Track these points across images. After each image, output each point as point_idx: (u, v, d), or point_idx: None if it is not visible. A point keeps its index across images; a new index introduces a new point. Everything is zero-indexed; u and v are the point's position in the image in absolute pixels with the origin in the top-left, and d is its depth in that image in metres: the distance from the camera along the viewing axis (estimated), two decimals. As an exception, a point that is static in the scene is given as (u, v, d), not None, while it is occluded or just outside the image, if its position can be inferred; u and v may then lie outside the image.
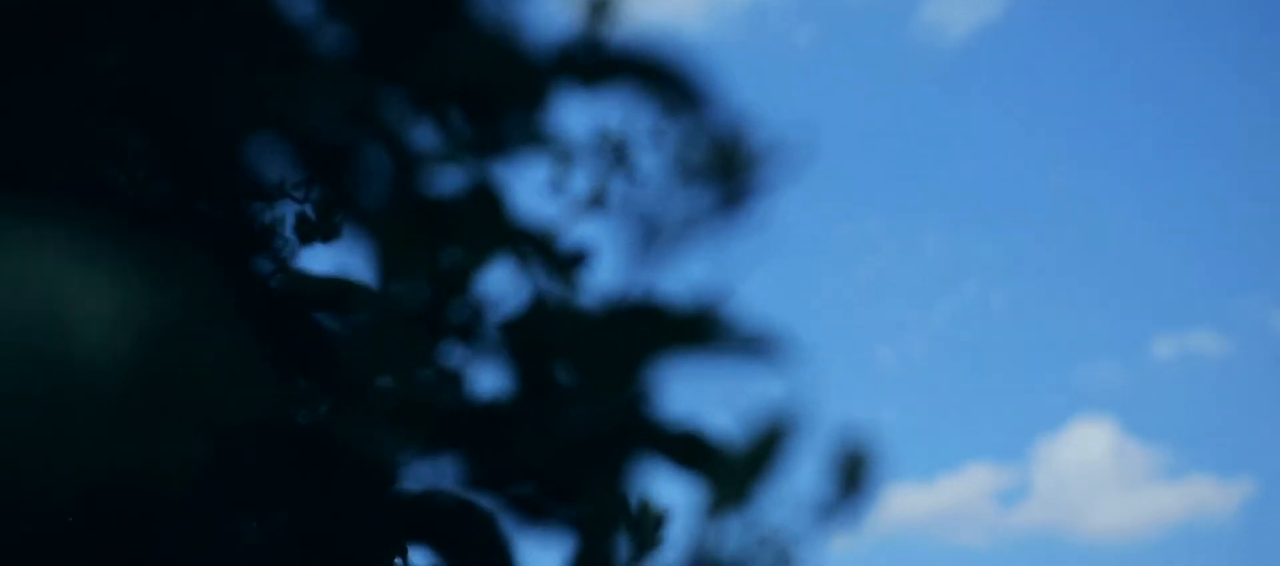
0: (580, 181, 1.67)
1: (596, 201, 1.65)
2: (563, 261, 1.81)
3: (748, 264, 1.53)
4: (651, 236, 1.53)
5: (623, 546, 1.84)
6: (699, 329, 1.59)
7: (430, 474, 1.93)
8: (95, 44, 1.44)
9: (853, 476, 1.46)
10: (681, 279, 1.56)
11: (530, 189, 1.77)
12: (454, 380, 1.91)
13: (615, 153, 1.59)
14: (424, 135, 1.78)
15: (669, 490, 1.74)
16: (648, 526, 2.06)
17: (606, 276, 1.73)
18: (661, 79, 1.39)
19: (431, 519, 1.94)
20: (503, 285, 1.87)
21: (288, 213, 1.99)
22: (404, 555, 2.16)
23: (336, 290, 1.95)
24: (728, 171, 1.36)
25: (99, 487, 1.18)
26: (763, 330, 1.50)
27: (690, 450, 1.63)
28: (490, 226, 1.89)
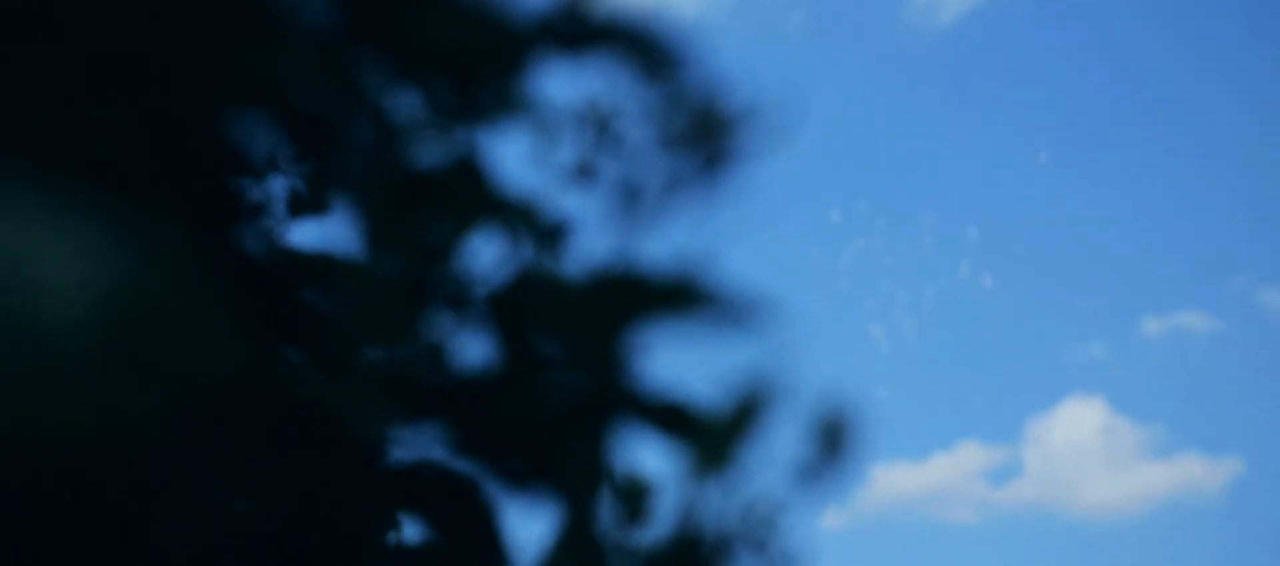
0: (564, 151, 1.68)
1: (580, 171, 1.65)
2: (546, 232, 1.82)
3: (732, 233, 1.54)
4: (632, 202, 1.53)
5: (607, 514, 1.85)
6: (680, 297, 1.60)
7: (417, 444, 1.94)
8: (78, 16, 1.45)
9: (833, 442, 1.46)
10: (664, 245, 1.56)
11: (514, 160, 1.78)
12: (439, 351, 1.92)
13: (597, 121, 1.60)
14: (406, 105, 1.79)
15: (652, 457, 1.75)
16: (635, 498, 2.07)
17: (590, 245, 1.74)
18: (640, 46, 1.40)
19: (419, 488, 1.95)
20: (487, 256, 1.88)
21: (275, 186, 2.00)
22: (396, 526, 2.17)
23: (323, 263, 1.96)
24: (706, 137, 1.37)
25: (71, 446, 1.19)
26: (744, 298, 1.51)
27: (672, 417, 1.64)
28: (474, 198, 1.90)
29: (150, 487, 1.49)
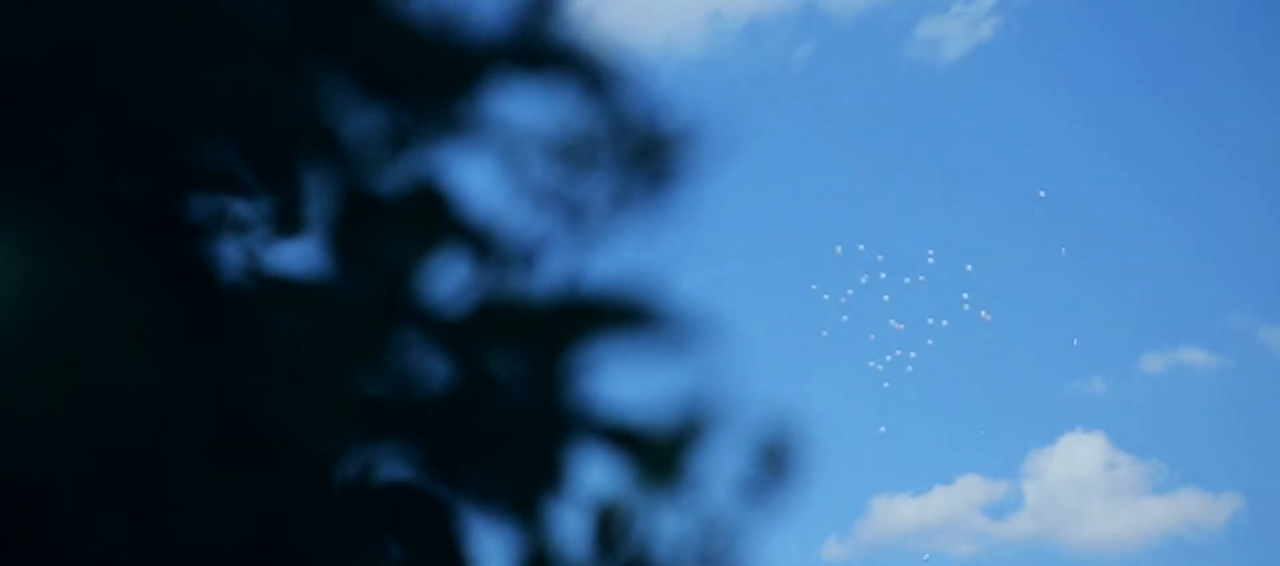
0: (519, 171, 1.70)
1: (535, 192, 1.67)
2: (506, 254, 1.84)
3: (682, 253, 1.56)
4: (581, 221, 1.55)
5: (568, 532, 1.87)
6: (630, 317, 1.61)
7: (379, 462, 1.95)
8: (32, 28, 1.47)
9: (777, 458, 1.48)
10: (614, 264, 1.58)
11: (473, 182, 1.80)
12: (401, 371, 1.93)
13: (551, 143, 1.62)
14: (366, 124, 1.81)
15: (605, 475, 1.76)
16: (608, 520, 2.08)
17: (547, 265, 1.76)
18: (586, 68, 1.42)
19: (381, 507, 1.96)
20: (449, 278, 1.90)
21: (237, 206, 2.01)
22: (376, 548, 2.18)
23: (284, 284, 1.97)
24: (649, 156, 1.39)
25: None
26: (690, 318, 1.53)
27: (621, 435, 1.66)
28: (435, 221, 1.92)
29: (72, 494, 1.51)
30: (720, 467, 1.56)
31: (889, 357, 21.98)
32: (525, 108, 1.67)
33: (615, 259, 1.49)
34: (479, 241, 1.85)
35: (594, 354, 1.72)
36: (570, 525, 1.86)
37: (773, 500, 1.49)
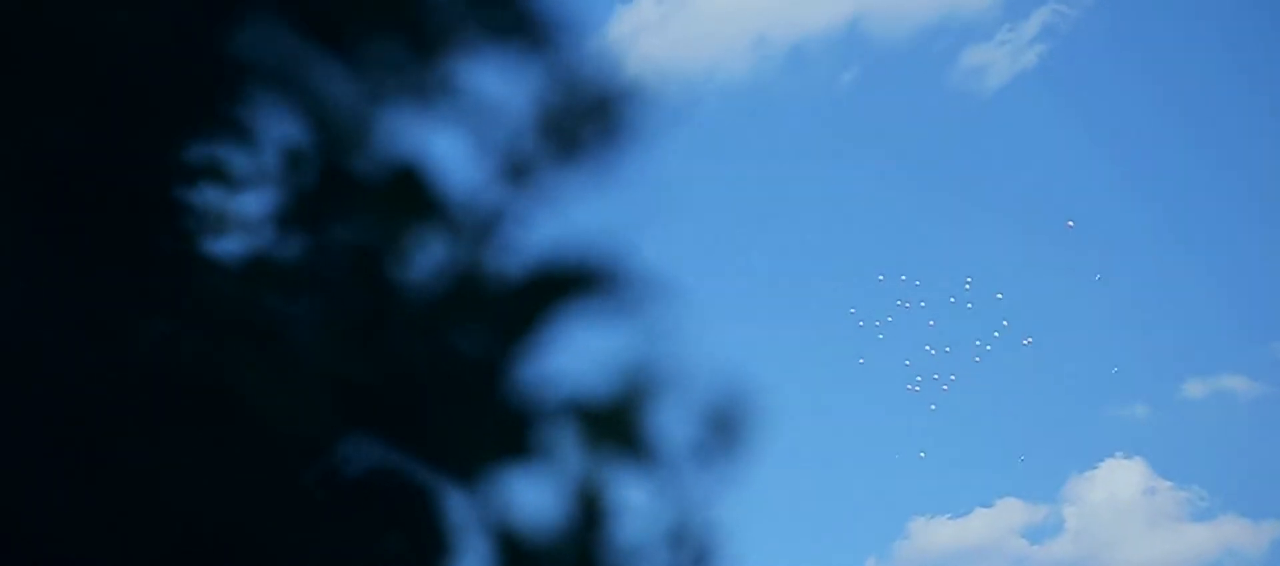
0: (482, 141, 1.70)
1: (498, 162, 1.67)
2: (474, 229, 1.84)
3: (636, 218, 1.56)
4: (539, 187, 1.55)
5: (560, 510, 1.86)
6: (587, 284, 1.61)
7: (354, 441, 1.95)
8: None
9: (726, 424, 1.48)
10: (571, 230, 1.58)
11: (439, 154, 1.80)
12: (376, 350, 1.93)
13: (510, 111, 1.62)
14: (338, 94, 1.81)
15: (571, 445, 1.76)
16: (593, 505, 2.07)
17: (511, 238, 1.76)
18: (532, 31, 1.42)
19: (357, 486, 1.96)
20: (421, 256, 1.90)
21: (212, 190, 2.02)
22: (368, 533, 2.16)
23: (260, 265, 1.97)
24: (595, 118, 1.38)
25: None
26: (644, 284, 1.53)
27: (579, 402, 1.66)
28: (409, 200, 1.92)
29: (43, 480, 1.51)
30: (675, 433, 1.55)
31: (919, 379, 21.89)
32: (490, 76, 1.67)
33: (571, 224, 1.49)
34: (450, 217, 1.85)
35: (557, 323, 1.72)
36: (546, 499, 1.85)
37: (722, 465, 1.48)
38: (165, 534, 1.86)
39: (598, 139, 1.48)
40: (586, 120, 1.48)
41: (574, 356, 1.70)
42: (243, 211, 1.97)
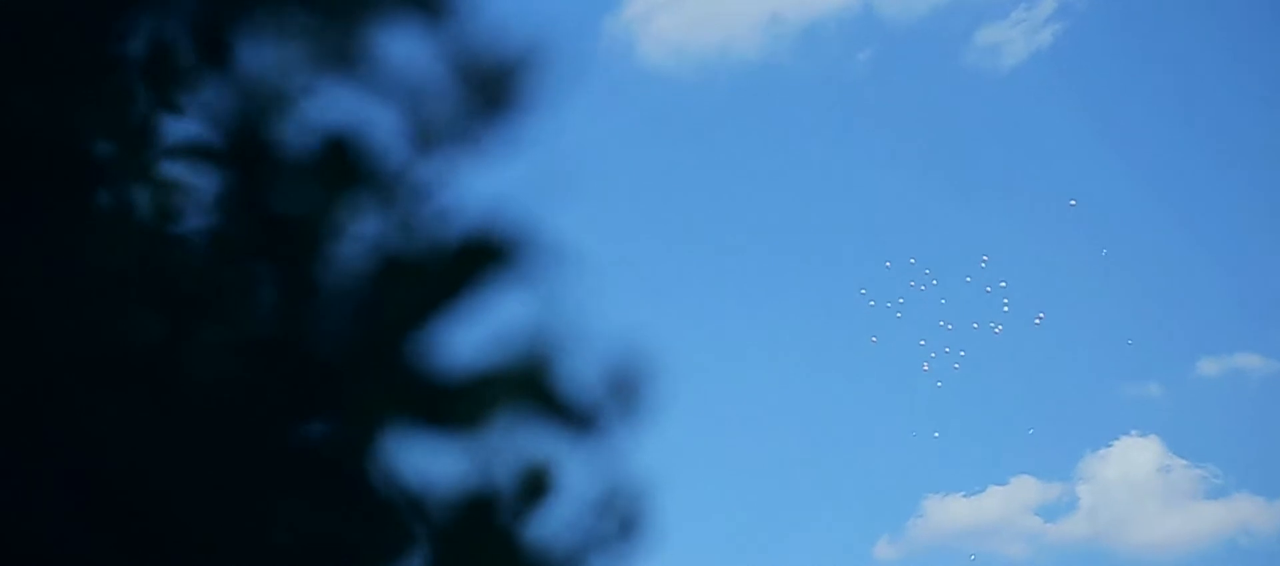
0: (401, 110, 1.70)
1: (414, 131, 1.68)
2: (400, 200, 1.85)
3: (538, 185, 1.56)
4: (449, 154, 1.56)
5: (510, 496, 1.87)
6: (492, 255, 1.62)
7: (290, 417, 1.96)
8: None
9: (624, 390, 1.49)
10: (481, 201, 1.59)
11: (361, 123, 1.81)
12: (302, 320, 1.94)
13: (423, 78, 1.63)
14: (264, 65, 1.82)
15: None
16: (526, 475, 2.08)
17: (431, 207, 1.76)
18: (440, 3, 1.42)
19: (303, 460, 1.97)
20: (354, 228, 1.91)
21: (148, 160, 2.03)
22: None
23: (194, 238, 1.98)
24: (494, 84, 1.39)
25: None
26: (543, 250, 1.53)
27: (503, 370, 1.67)
28: (338, 171, 1.93)
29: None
30: (602, 402, 1.56)
31: (933, 355, 21.86)
32: (407, 45, 1.67)
33: (482, 194, 1.50)
34: (375, 186, 1.85)
35: (482, 291, 1.73)
36: (469, 466, 1.86)
37: (621, 429, 1.49)
38: (99, 501, 1.87)
39: (515, 107, 1.49)
40: (504, 88, 1.49)
41: (499, 323, 1.71)
42: (174, 182, 1.98)
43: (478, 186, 1.52)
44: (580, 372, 1.48)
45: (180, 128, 1.93)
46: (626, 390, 1.46)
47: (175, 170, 1.98)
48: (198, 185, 1.96)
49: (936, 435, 23.32)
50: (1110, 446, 23.24)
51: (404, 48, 1.61)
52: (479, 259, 1.75)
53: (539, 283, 1.54)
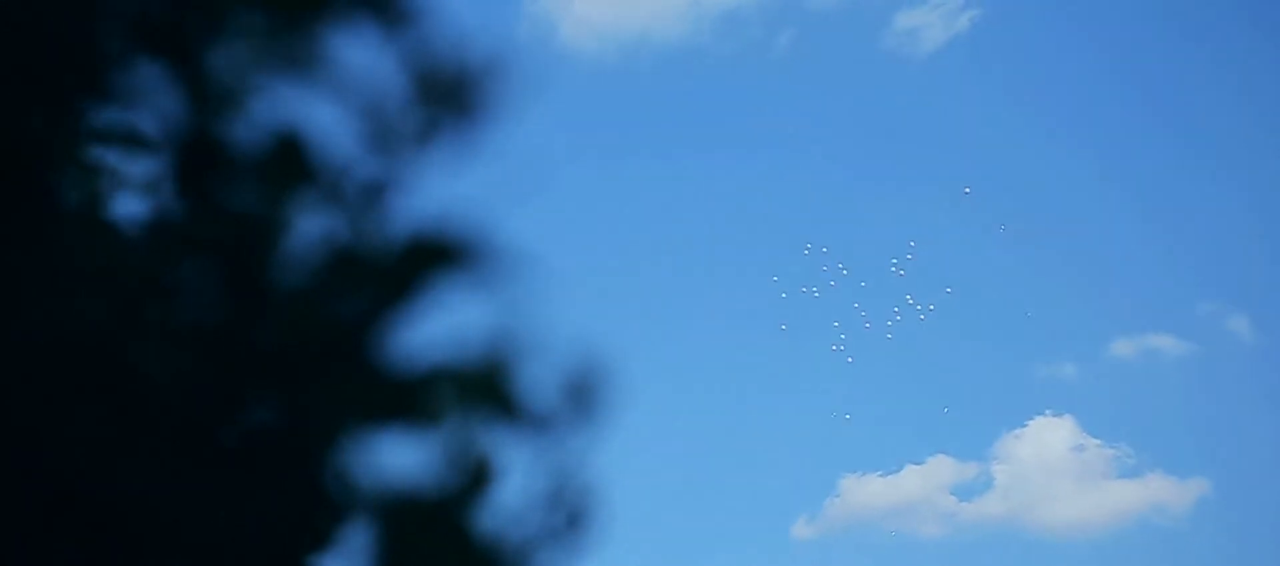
0: (354, 112, 1.73)
1: (367, 133, 1.70)
2: (350, 199, 1.87)
3: (500, 189, 1.59)
4: (404, 158, 1.58)
5: (453, 482, 1.90)
6: (457, 255, 1.65)
7: (246, 407, 1.98)
8: None
9: (581, 393, 1.52)
10: (435, 202, 1.61)
11: (313, 124, 1.83)
12: (255, 314, 1.96)
13: (376, 82, 1.65)
14: (219, 64, 1.84)
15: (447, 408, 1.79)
16: (476, 470, 2.11)
17: (383, 207, 1.79)
18: (388, 6, 1.45)
19: (250, 453, 1.99)
20: (303, 225, 1.93)
21: (99, 154, 2.04)
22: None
23: (149, 232, 2.00)
24: (452, 90, 1.42)
25: None
26: (502, 253, 1.56)
27: (453, 367, 1.70)
28: (290, 167, 1.95)
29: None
30: (545, 400, 1.59)
31: (844, 336, 21.98)
32: (358, 48, 1.70)
33: (434, 196, 1.53)
34: (328, 186, 1.88)
35: (432, 291, 1.75)
36: (424, 462, 1.89)
37: (578, 431, 1.52)
38: (51, 493, 1.88)
39: (468, 111, 1.52)
40: (457, 92, 1.52)
41: (450, 323, 1.74)
42: (126, 175, 2.00)
43: (432, 189, 1.54)
44: (516, 365, 1.51)
45: (128, 120, 1.94)
46: (588, 394, 1.49)
47: (122, 163, 2.00)
48: (145, 179, 1.98)
49: (848, 417, 23.44)
50: (1025, 426, 23.44)
51: (360, 52, 1.63)
52: (428, 258, 1.77)
53: (490, 283, 1.57)
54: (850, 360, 22.32)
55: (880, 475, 22.96)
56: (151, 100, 1.88)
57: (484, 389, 1.68)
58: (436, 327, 1.67)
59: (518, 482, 1.79)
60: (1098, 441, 22.99)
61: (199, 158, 1.91)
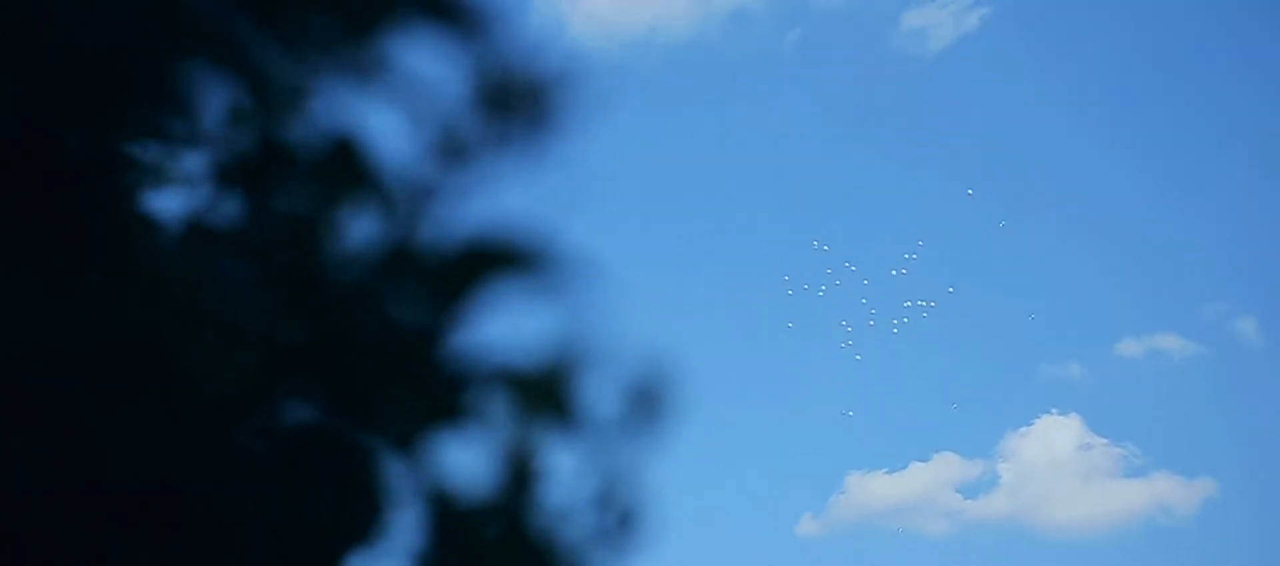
0: (416, 119, 1.74)
1: (431, 139, 1.72)
2: (407, 203, 1.89)
3: (565, 198, 1.61)
4: (470, 165, 1.60)
5: (500, 482, 1.92)
6: (514, 260, 1.67)
7: (289, 408, 2.00)
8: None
9: (648, 401, 1.53)
10: (501, 208, 1.63)
11: (374, 130, 1.85)
12: (309, 315, 1.98)
13: (443, 90, 1.67)
14: (275, 70, 1.86)
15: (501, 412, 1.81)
16: (522, 469, 2.13)
17: (442, 211, 1.81)
18: (464, 13, 1.46)
19: (289, 447, 2.00)
20: (356, 227, 1.95)
21: (147, 153, 2.06)
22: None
23: (196, 232, 2.01)
24: (523, 101, 1.43)
25: None
26: (569, 262, 1.58)
27: (508, 372, 1.72)
28: (344, 171, 1.96)
29: None
30: (600, 405, 1.61)
31: (851, 330, 21.98)
32: (422, 55, 1.71)
33: (503, 202, 1.55)
34: (384, 190, 1.89)
35: (489, 296, 1.77)
36: (477, 463, 1.91)
37: (644, 438, 1.54)
38: (99, 491, 1.90)
39: (530, 120, 1.54)
40: (519, 101, 1.54)
41: (506, 328, 1.76)
42: (180, 173, 2.01)
43: (495, 196, 1.56)
44: (602, 379, 1.53)
45: (185, 121, 1.96)
46: (649, 399, 1.51)
47: (178, 164, 2.01)
48: (200, 178, 2.00)
49: (850, 413, 23.43)
50: (1031, 425, 23.45)
51: (426, 58, 1.65)
52: (487, 262, 1.79)
53: (548, 288, 1.59)
54: (858, 358, 22.34)
55: (886, 472, 22.99)
56: (210, 101, 1.90)
57: (542, 393, 1.70)
58: (498, 332, 1.69)
59: (570, 483, 1.81)
60: (1104, 441, 23.00)
61: (256, 159, 1.93)
